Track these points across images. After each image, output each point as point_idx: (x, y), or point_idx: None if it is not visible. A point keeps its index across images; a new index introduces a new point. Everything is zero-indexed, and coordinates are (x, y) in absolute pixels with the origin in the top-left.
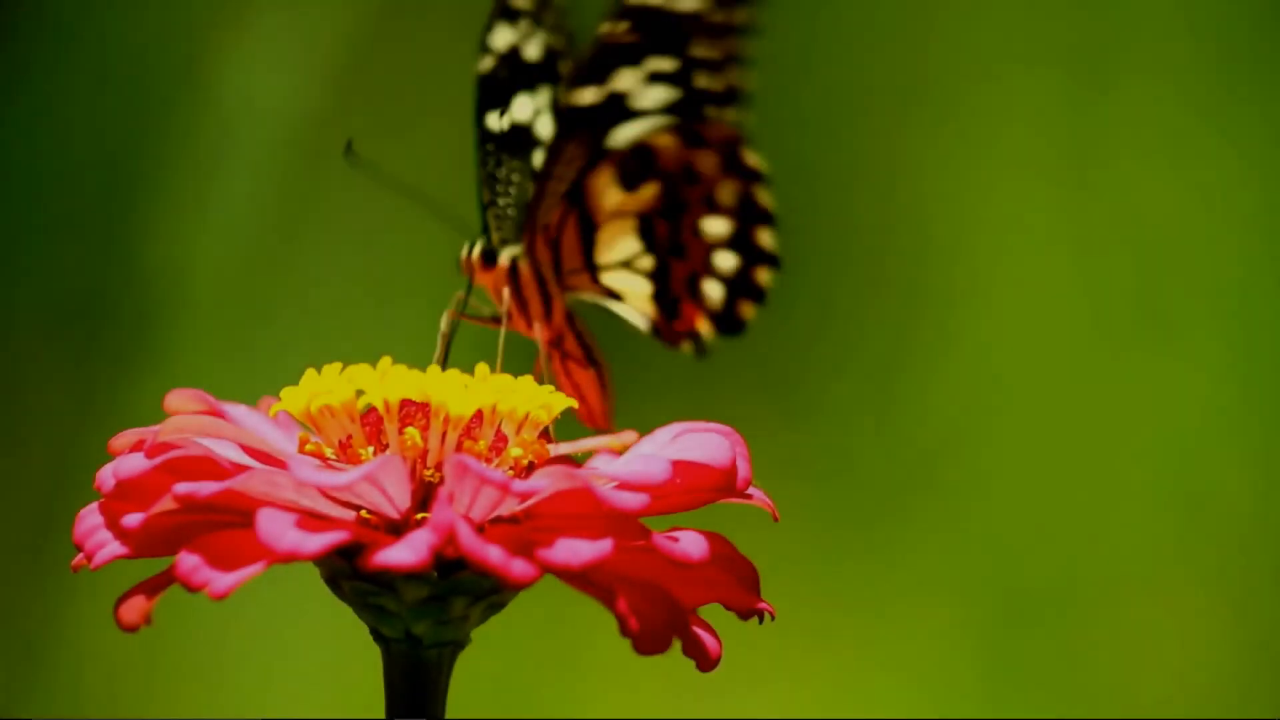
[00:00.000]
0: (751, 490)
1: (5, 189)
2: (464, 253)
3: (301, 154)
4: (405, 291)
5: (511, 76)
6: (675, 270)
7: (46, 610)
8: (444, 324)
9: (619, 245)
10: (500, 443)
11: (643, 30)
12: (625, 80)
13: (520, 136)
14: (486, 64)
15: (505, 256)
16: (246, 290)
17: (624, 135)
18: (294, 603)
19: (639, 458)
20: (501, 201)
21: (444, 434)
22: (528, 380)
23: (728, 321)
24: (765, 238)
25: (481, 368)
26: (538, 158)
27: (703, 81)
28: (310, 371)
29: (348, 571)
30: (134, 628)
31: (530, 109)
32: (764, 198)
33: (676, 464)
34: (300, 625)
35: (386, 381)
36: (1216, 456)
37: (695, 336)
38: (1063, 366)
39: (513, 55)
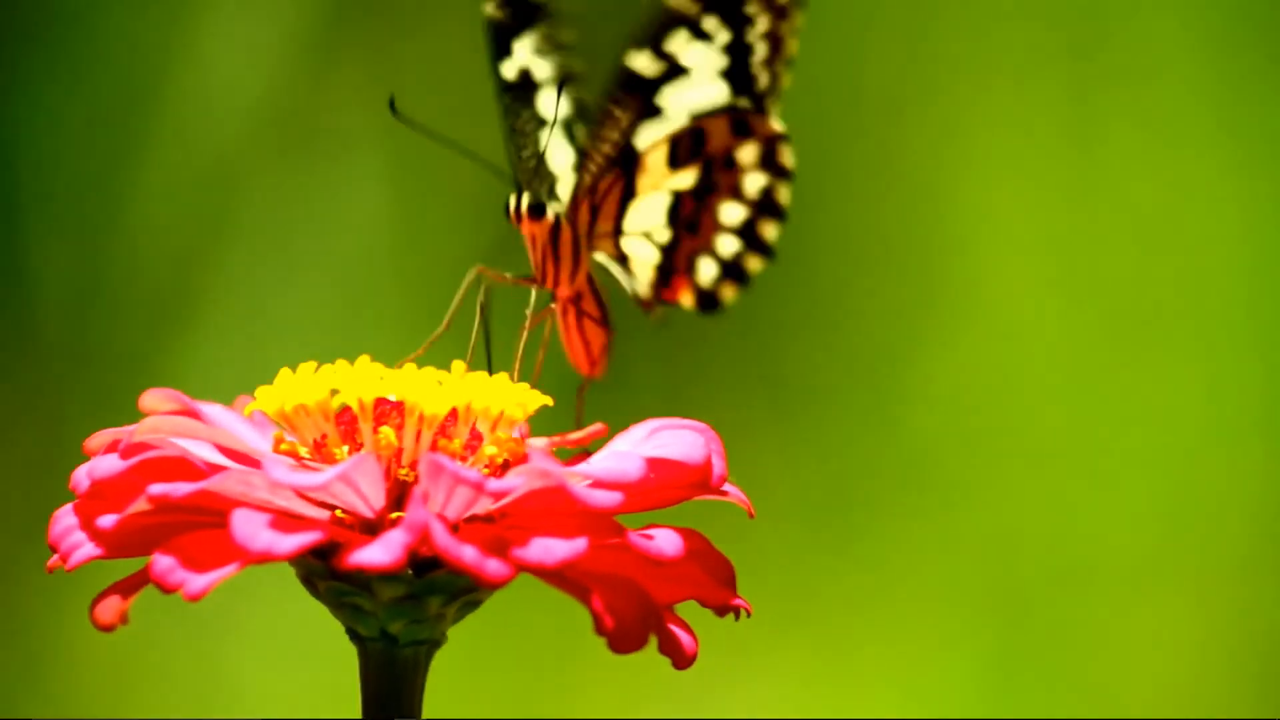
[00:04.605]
0: (727, 487)
1: None
2: (511, 203)
3: (291, 141)
4: (399, 280)
5: (513, 19)
6: (683, 245)
7: (42, 611)
8: (481, 296)
9: (647, 215)
10: (475, 441)
11: None
12: (676, 43)
13: (526, 82)
14: (491, 8)
15: (551, 212)
16: (231, 284)
17: (673, 100)
18: (270, 602)
19: (613, 455)
20: (524, 154)
21: (419, 433)
22: (502, 378)
23: (709, 299)
24: (770, 230)
25: (457, 365)
26: (541, 103)
27: (756, 51)
28: (285, 370)
29: (323, 571)
30: (110, 628)
31: (527, 52)
32: (783, 196)
33: (651, 461)
34: (276, 624)
35: (360, 380)
36: (1213, 457)
37: (673, 306)
38: (1059, 366)
39: None
